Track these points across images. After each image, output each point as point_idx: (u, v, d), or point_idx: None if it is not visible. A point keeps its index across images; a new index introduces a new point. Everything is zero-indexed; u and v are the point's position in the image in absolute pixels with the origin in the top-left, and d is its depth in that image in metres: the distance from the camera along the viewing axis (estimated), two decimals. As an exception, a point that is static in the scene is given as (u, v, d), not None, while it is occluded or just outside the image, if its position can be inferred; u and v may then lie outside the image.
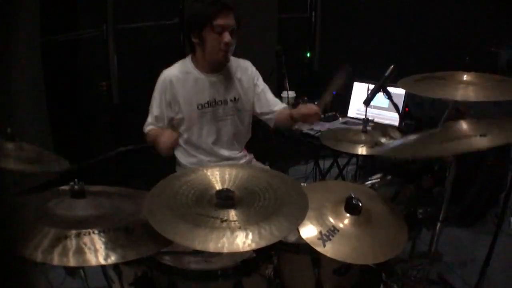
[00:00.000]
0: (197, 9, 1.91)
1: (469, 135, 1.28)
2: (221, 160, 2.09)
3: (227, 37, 1.87)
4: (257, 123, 2.26)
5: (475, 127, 1.32)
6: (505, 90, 1.48)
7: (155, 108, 2.05)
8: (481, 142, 1.23)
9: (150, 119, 2.08)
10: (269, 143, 2.27)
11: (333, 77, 2.00)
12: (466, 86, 1.49)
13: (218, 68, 2.03)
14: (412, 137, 1.47)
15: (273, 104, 2.17)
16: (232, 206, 1.15)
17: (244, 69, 2.13)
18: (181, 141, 2.07)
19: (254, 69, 2.17)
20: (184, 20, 1.99)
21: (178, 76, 2.00)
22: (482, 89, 1.48)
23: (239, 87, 2.09)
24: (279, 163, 2.15)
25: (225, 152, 2.12)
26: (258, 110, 2.17)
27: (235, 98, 2.07)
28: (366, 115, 2.16)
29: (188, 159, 2.10)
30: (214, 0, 1.87)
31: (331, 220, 1.29)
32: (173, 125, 2.05)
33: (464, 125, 1.34)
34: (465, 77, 1.54)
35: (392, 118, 2.71)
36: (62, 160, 1.58)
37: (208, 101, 2.02)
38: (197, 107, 2.01)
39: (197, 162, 2.07)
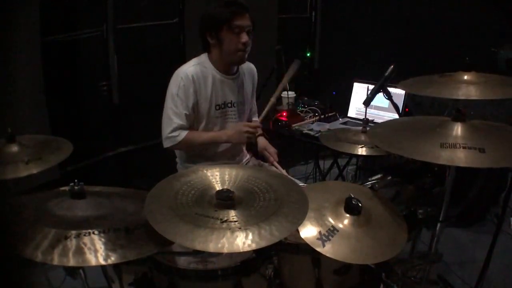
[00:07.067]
0: (214, 10, 1.88)
1: (466, 146, 1.27)
2: (229, 163, 2.09)
3: (244, 37, 1.87)
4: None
5: (472, 134, 1.31)
6: (506, 89, 1.47)
7: (182, 107, 1.90)
8: (480, 159, 1.24)
9: (178, 120, 1.90)
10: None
11: (288, 71, 2.08)
12: (467, 85, 1.49)
13: (234, 70, 2.03)
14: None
15: (252, 114, 2.22)
16: (232, 206, 1.15)
17: (252, 73, 2.15)
18: None
19: (256, 75, 2.18)
20: (201, 20, 1.91)
21: (199, 73, 1.93)
22: (484, 87, 1.47)
23: (246, 89, 2.11)
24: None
25: (235, 155, 2.14)
26: None
27: (244, 100, 2.10)
28: (366, 115, 2.17)
29: (192, 158, 2.08)
30: (231, 1, 1.86)
31: (331, 220, 1.29)
32: None
33: (460, 130, 1.33)
34: (465, 77, 1.54)
35: (392, 118, 2.71)
36: (63, 148, 1.57)
37: (224, 102, 2.01)
38: (215, 107, 1.99)
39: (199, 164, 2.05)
